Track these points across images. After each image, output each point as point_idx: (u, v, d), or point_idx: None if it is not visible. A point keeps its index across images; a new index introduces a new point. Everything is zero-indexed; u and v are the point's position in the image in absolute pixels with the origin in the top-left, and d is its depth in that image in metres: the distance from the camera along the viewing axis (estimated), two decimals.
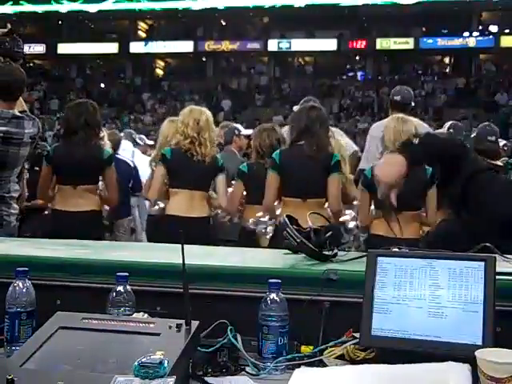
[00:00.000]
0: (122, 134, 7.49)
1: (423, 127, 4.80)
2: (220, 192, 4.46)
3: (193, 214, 4.33)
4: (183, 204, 4.37)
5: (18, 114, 3.74)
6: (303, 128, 4.04)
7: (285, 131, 4.70)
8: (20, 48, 3.92)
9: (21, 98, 3.86)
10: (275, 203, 4.20)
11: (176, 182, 4.41)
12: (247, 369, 1.69)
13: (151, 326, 1.62)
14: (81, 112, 4.35)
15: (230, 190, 4.74)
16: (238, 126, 6.40)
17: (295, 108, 4.26)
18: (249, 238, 4.37)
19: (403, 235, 3.96)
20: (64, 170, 4.33)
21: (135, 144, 7.69)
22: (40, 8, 31.26)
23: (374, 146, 4.57)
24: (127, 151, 6.99)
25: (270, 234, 4.28)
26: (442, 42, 29.81)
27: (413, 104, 5.49)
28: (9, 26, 3.90)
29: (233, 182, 4.81)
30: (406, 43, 30.03)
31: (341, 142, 4.77)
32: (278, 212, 4.17)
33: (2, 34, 3.83)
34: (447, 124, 5.55)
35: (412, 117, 4.61)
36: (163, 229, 4.33)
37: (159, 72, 34.55)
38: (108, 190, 4.49)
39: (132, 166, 6.26)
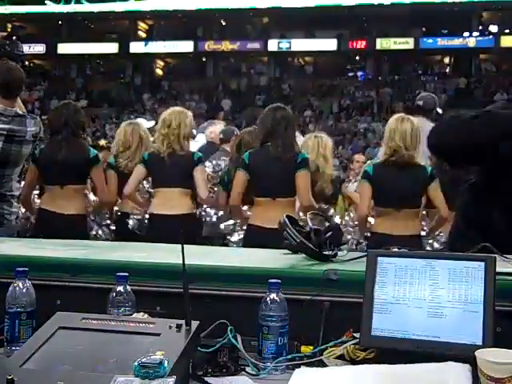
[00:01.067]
0: None
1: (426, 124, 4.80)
2: (199, 184, 4.42)
3: (173, 212, 4.34)
4: (165, 203, 4.39)
5: (21, 112, 3.75)
6: (269, 129, 4.11)
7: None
8: (19, 51, 3.94)
9: (19, 100, 3.86)
10: (245, 206, 4.33)
11: (156, 181, 4.47)
12: (247, 369, 1.69)
13: (151, 326, 1.61)
14: (62, 112, 4.37)
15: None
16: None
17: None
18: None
19: (404, 232, 3.99)
20: (49, 169, 4.34)
21: None
22: (40, 8, 31.26)
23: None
24: None
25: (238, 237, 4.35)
26: (441, 42, 29.82)
27: (439, 110, 5.53)
28: (9, 29, 3.93)
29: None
30: (405, 43, 30.04)
31: (328, 141, 4.85)
32: (248, 213, 4.28)
33: (2, 37, 3.84)
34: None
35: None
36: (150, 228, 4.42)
37: (159, 72, 34.55)
38: (97, 191, 4.51)
39: None
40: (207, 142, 6.30)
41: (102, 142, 6.19)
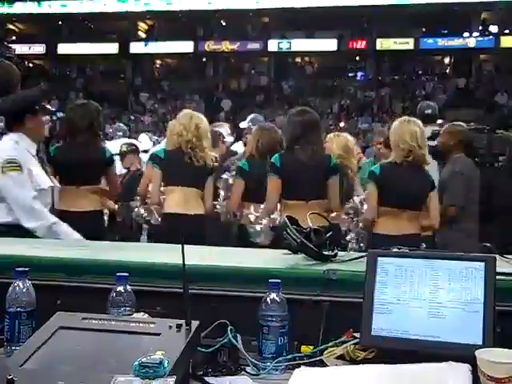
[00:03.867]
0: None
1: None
2: (206, 194, 4.50)
3: (190, 212, 4.38)
4: (180, 201, 4.42)
5: None
6: (298, 134, 4.11)
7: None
8: (10, 53, 3.93)
9: None
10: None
11: (171, 180, 4.48)
12: (247, 369, 1.69)
13: (151, 326, 1.62)
14: (84, 114, 4.36)
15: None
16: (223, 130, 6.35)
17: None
18: (247, 237, 4.40)
19: (406, 232, 4.05)
20: (66, 170, 4.33)
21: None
22: (40, 9, 31.27)
23: None
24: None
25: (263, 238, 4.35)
26: (441, 42, 29.80)
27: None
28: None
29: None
30: (405, 43, 30.02)
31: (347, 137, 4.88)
32: (275, 215, 4.25)
33: None
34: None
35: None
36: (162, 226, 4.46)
37: (159, 72, 34.54)
38: (110, 188, 4.53)
39: None
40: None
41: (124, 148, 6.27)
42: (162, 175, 4.48)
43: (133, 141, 7.43)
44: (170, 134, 4.63)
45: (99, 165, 4.39)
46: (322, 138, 4.27)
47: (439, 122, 5.74)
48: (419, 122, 4.29)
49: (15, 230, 3.32)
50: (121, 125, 8.55)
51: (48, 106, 3.83)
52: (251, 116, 6.48)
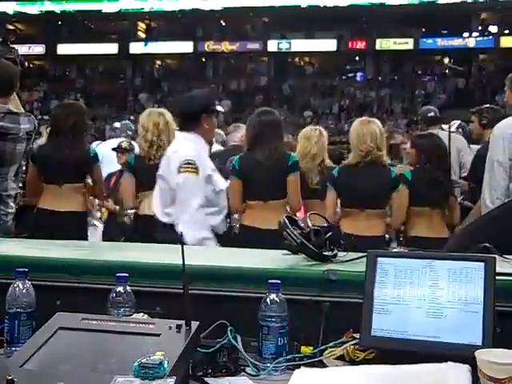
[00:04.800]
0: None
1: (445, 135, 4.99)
2: None
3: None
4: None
5: (14, 109, 3.73)
6: (256, 133, 4.11)
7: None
8: (12, 54, 3.91)
9: (17, 100, 3.85)
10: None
11: (141, 185, 4.39)
12: (247, 369, 1.69)
13: (151, 326, 1.61)
14: (69, 113, 4.37)
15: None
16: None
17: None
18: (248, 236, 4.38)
19: (368, 233, 4.10)
20: (49, 169, 4.35)
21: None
22: (40, 8, 31.27)
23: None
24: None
25: None
26: (441, 42, 29.83)
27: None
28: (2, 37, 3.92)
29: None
30: (405, 43, 30.05)
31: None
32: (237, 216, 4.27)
33: None
34: (455, 123, 5.68)
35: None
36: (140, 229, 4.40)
37: (159, 72, 34.54)
38: (95, 188, 4.55)
39: None
40: (233, 145, 6.31)
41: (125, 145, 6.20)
42: (134, 181, 4.40)
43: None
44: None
45: (83, 164, 4.38)
46: (281, 139, 4.22)
47: (444, 126, 5.75)
48: (378, 122, 4.35)
49: None
50: (128, 122, 8.38)
51: (219, 108, 3.80)
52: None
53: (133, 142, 6.46)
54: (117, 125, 7.83)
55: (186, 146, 3.47)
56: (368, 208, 4.20)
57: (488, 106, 5.68)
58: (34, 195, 4.52)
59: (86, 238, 4.33)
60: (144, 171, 4.27)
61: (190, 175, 3.35)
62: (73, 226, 4.22)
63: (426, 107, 6.31)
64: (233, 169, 4.16)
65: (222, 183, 3.54)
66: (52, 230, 3.97)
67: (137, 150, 4.82)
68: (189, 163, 3.36)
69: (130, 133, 7.30)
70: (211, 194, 3.45)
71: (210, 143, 3.78)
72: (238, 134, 6.27)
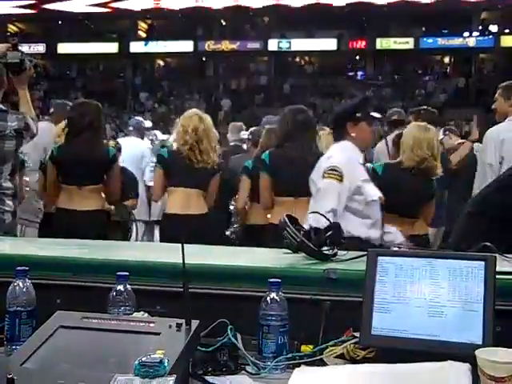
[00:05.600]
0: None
1: None
2: (209, 192, 4.47)
3: (190, 212, 4.36)
4: (180, 202, 4.40)
5: (3, 107, 3.72)
6: (290, 131, 4.14)
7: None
8: (17, 58, 3.87)
9: (29, 101, 3.80)
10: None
11: (174, 180, 4.45)
12: (247, 368, 1.69)
13: (151, 325, 1.61)
14: (85, 112, 4.36)
15: None
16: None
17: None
18: (251, 237, 4.39)
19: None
20: (68, 170, 4.34)
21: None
22: (40, 8, 31.27)
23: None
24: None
25: None
26: (441, 42, 29.82)
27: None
28: (14, 40, 3.87)
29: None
30: (405, 43, 30.04)
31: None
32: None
33: (7, 48, 3.79)
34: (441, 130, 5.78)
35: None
36: (163, 227, 4.48)
37: (159, 72, 34.53)
38: (111, 188, 4.52)
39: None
40: (235, 145, 6.33)
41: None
42: (164, 174, 4.46)
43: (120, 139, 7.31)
44: (176, 133, 4.63)
45: (102, 164, 4.38)
46: (314, 139, 4.26)
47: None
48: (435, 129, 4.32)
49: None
50: (139, 118, 8.29)
51: (375, 114, 3.74)
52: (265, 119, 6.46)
53: (119, 141, 6.49)
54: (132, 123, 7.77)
55: (338, 153, 3.48)
56: (404, 216, 4.05)
57: (425, 107, 5.86)
58: (53, 196, 4.49)
59: (106, 238, 4.31)
60: (177, 167, 4.38)
61: (333, 181, 3.35)
62: (93, 225, 4.21)
63: (393, 109, 6.29)
64: (263, 165, 4.18)
65: (373, 193, 3.47)
66: (72, 230, 3.97)
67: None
68: (334, 170, 3.37)
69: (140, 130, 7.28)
70: (361, 205, 3.42)
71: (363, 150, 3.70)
72: (238, 133, 6.27)
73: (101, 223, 4.38)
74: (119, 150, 6.15)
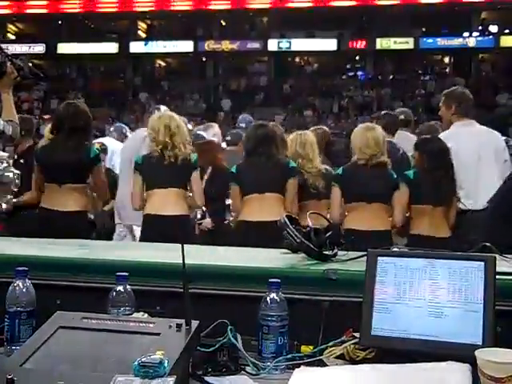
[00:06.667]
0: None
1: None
2: (194, 190, 4.48)
3: (167, 213, 4.36)
4: (156, 203, 4.41)
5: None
6: (252, 146, 4.41)
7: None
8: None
9: (13, 105, 3.78)
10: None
11: (149, 183, 4.45)
12: (247, 368, 1.69)
13: (151, 325, 1.62)
14: (69, 112, 4.38)
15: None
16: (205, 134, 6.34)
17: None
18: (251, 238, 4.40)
19: (374, 227, 4.26)
20: (47, 167, 4.37)
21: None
22: (39, 8, 31.26)
23: None
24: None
25: None
26: (441, 42, 29.79)
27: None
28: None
29: None
30: (405, 43, 30.00)
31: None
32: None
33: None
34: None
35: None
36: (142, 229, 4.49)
37: (159, 72, 34.52)
38: (97, 188, 4.56)
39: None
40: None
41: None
42: (142, 180, 4.46)
43: (105, 139, 7.32)
44: (148, 136, 4.63)
45: (82, 164, 4.37)
46: (278, 150, 4.43)
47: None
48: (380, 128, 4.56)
49: None
50: (122, 125, 8.41)
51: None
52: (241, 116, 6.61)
53: (105, 142, 6.51)
54: (111, 129, 7.88)
55: None
56: (374, 201, 4.33)
57: (386, 112, 6.04)
58: (38, 194, 4.51)
59: (88, 238, 4.31)
60: (153, 171, 4.41)
61: None
62: (73, 226, 4.21)
63: (400, 109, 6.37)
64: (231, 176, 4.46)
65: None
66: (53, 229, 3.99)
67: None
68: None
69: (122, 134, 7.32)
70: None
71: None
72: (210, 132, 6.27)
73: (81, 225, 4.37)
74: (104, 151, 6.18)
